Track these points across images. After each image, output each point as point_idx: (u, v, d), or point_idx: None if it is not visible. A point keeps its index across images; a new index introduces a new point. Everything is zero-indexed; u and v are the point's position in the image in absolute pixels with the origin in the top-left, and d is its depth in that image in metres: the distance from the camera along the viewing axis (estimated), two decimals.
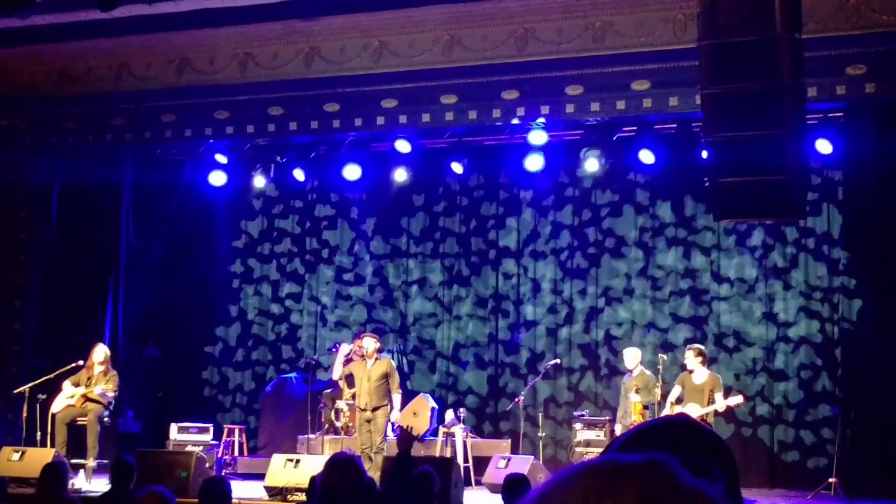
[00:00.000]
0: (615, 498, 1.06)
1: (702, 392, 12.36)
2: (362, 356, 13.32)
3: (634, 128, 13.98)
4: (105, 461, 13.08)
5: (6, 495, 11.35)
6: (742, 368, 14.67)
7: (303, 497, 10.60)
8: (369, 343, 13.14)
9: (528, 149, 14.38)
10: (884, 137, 13.09)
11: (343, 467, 5.72)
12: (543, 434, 14.19)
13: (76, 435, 13.37)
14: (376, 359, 13.06)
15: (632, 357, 13.34)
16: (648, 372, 13.19)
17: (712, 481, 1.14)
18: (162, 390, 16.71)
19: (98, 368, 13.46)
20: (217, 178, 15.71)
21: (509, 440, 14.66)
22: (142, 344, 16.42)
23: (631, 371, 13.26)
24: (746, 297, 14.84)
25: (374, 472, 11.43)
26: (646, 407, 12.77)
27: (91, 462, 13.06)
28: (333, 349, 15.12)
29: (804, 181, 9.87)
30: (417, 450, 14.14)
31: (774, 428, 14.42)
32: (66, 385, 13.41)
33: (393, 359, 14.45)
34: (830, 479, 12.44)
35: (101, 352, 13.58)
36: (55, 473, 8.11)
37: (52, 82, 14.74)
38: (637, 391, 12.81)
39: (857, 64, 11.65)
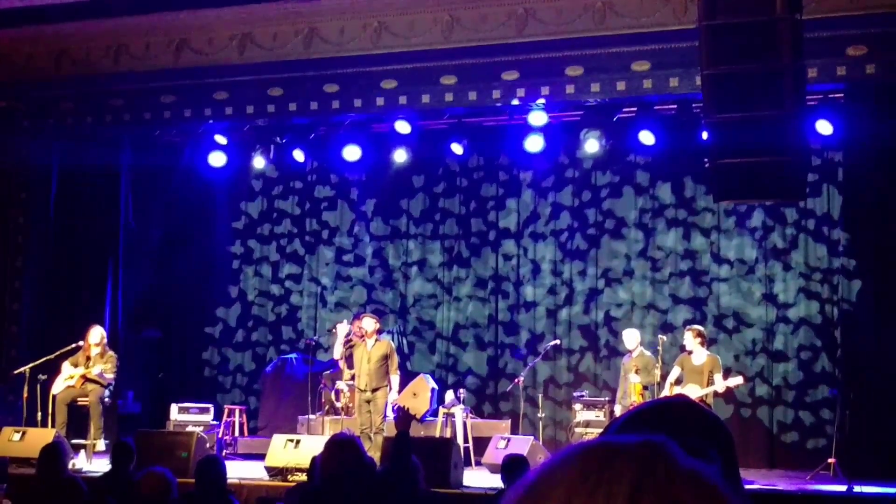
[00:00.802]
0: (611, 480, 1.06)
1: (701, 373, 12.38)
2: (361, 337, 13.35)
3: (634, 109, 13.95)
4: (106, 442, 13.13)
5: (7, 475, 11.37)
6: (741, 349, 14.69)
7: (303, 477, 10.62)
8: (369, 324, 13.15)
9: (527, 130, 14.37)
10: (884, 118, 13.08)
11: (343, 447, 5.73)
12: (543, 415, 14.21)
13: (77, 415, 13.41)
14: (376, 340, 13.08)
15: (632, 338, 13.35)
16: (648, 353, 13.20)
17: (708, 463, 1.14)
18: (162, 371, 16.73)
19: (95, 350, 13.47)
20: (216, 160, 15.70)
21: (509, 421, 14.69)
22: (141, 325, 16.43)
23: (631, 352, 13.27)
24: (746, 279, 14.85)
25: (373, 453, 11.45)
26: (645, 388, 12.80)
27: (100, 443, 13.11)
28: (332, 330, 15.16)
29: (804, 162, 9.86)
30: (417, 430, 14.17)
31: (774, 409, 14.45)
32: (66, 366, 13.43)
33: (393, 340, 14.45)
34: (829, 460, 12.45)
35: (97, 333, 13.58)
36: (54, 454, 8.14)
37: (50, 63, 14.70)
38: (637, 372, 12.83)
39: (858, 45, 11.62)
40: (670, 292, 15.22)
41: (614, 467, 1.06)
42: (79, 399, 13.37)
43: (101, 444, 13.08)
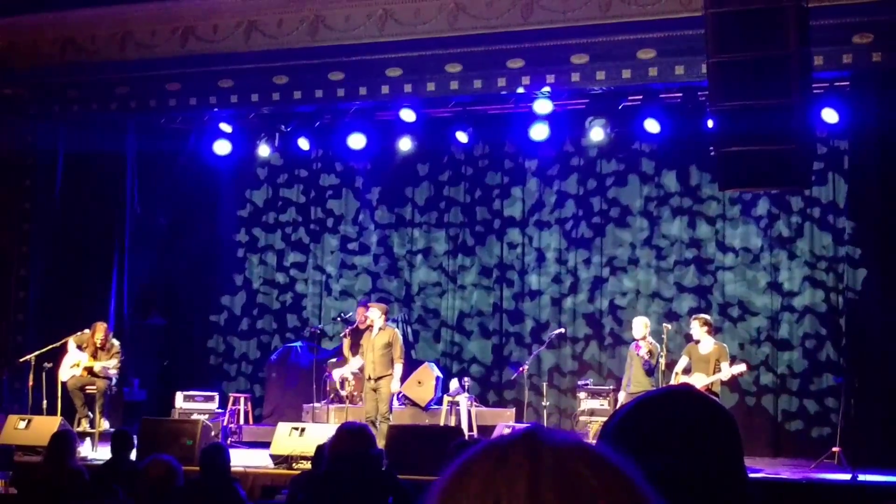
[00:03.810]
0: (509, 478, 1.14)
1: (708, 362, 12.38)
2: (367, 326, 13.39)
3: (640, 97, 13.92)
4: (110, 429, 13.16)
5: (13, 463, 11.41)
6: (747, 338, 14.68)
7: (308, 465, 10.64)
8: (374, 312, 13.18)
9: (533, 118, 14.35)
10: (890, 106, 13.03)
11: (353, 436, 5.72)
12: (548, 403, 14.22)
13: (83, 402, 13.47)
14: (380, 328, 13.09)
15: (640, 326, 13.35)
16: (654, 341, 13.21)
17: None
18: (167, 359, 16.75)
19: (100, 342, 13.50)
20: (221, 148, 15.68)
21: (514, 409, 14.69)
22: (146, 313, 16.45)
23: (637, 340, 13.27)
24: (751, 267, 14.83)
25: (378, 441, 11.45)
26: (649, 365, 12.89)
27: (104, 426, 13.16)
28: (338, 318, 15.22)
29: (810, 150, 9.86)
30: (422, 419, 14.20)
31: (778, 397, 14.44)
32: (71, 345, 13.44)
33: (397, 328, 14.47)
34: (834, 449, 12.46)
35: (101, 329, 13.57)
36: (63, 443, 8.17)
37: (56, 51, 14.69)
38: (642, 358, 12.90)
39: (864, 32, 11.58)
40: (675, 281, 15.20)
41: (508, 463, 1.15)
42: (87, 387, 13.41)
43: (104, 426, 13.10)
